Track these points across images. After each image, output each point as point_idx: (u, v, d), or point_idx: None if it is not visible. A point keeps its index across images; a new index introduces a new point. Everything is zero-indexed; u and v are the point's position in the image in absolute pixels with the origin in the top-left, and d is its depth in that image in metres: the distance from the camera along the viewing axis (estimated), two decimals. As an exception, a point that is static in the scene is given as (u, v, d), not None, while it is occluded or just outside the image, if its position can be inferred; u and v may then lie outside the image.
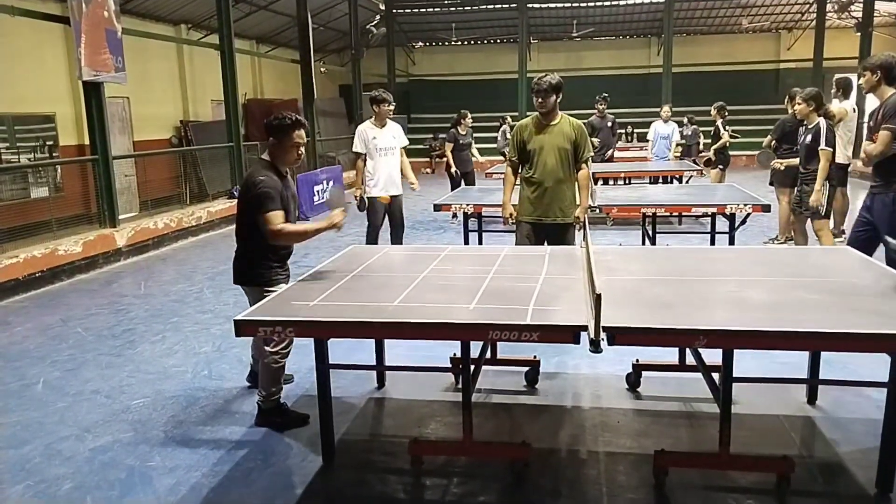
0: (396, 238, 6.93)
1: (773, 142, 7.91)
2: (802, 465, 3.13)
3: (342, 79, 21.39)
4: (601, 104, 11.25)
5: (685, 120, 12.69)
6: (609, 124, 11.26)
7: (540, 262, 3.85)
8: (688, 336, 2.67)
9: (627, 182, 11.23)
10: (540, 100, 4.82)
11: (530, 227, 5.01)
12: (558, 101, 4.85)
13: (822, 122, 6.18)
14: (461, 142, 10.66)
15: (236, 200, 3.84)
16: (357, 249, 4.47)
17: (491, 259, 3.96)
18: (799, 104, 6.38)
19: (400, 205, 6.85)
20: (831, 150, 6.11)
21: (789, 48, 21.15)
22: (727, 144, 10.34)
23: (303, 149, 3.80)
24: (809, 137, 6.27)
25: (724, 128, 10.21)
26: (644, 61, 21.64)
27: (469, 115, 10.78)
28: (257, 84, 17.96)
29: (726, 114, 10.42)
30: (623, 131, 17.28)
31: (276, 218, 3.62)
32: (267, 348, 3.69)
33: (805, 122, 6.41)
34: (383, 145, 6.57)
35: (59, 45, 10.90)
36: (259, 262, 3.76)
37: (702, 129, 12.45)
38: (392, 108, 6.70)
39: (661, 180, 10.71)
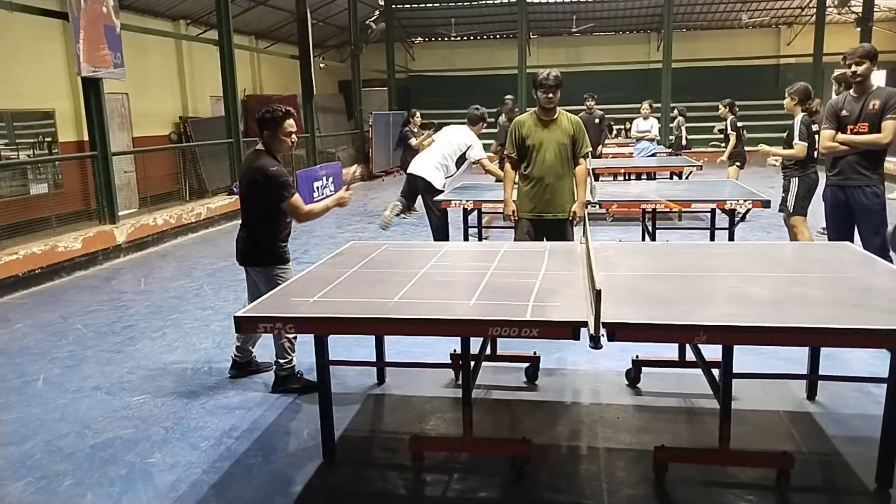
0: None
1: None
2: (802, 461, 3.13)
3: (341, 74, 21.34)
4: (590, 101, 11.42)
5: (676, 112, 12.74)
6: (597, 121, 11.40)
7: (540, 258, 3.85)
8: (688, 332, 2.67)
9: (627, 178, 11.26)
10: (550, 95, 4.80)
11: (530, 223, 5.01)
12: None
13: (800, 116, 6.15)
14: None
15: (243, 188, 4.09)
16: (356, 246, 4.47)
17: (490, 255, 3.95)
18: (786, 98, 6.35)
19: None
20: (805, 144, 6.10)
21: (789, 43, 21.12)
22: (740, 139, 10.18)
23: (295, 137, 4.07)
24: (787, 133, 6.28)
25: (733, 127, 10.01)
26: (644, 56, 21.62)
27: (418, 114, 11.69)
28: (256, 80, 17.92)
29: (737, 110, 10.22)
30: (620, 126, 17.29)
31: (301, 200, 4.03)
32: None
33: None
34: None
35: (57, 41, 10.86)
36: (272, 244, 4.07)
37: (712, 124, 12.42)
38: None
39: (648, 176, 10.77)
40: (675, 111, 13.06)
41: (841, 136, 4.85)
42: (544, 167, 4.87)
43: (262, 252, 4.07)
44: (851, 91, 4.86)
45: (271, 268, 4.06)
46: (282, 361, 4.10)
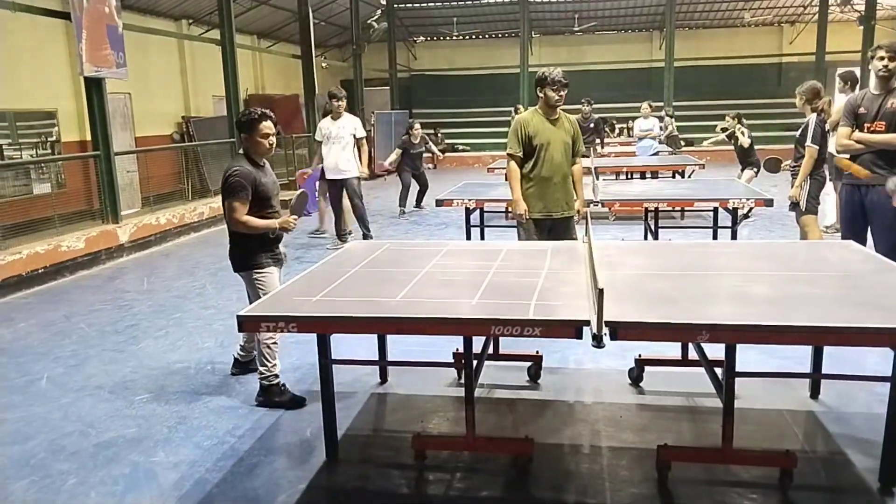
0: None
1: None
2: (805, 460, 3.13)
3: (343, 74, 21.33)
4: (586, 106, 11.47)
5: (664, 115, 12.77)
6: (592, 125, 11.49)
7: (542, 257, 3.85)
8: (690, 331, 2.67)
9: (629, 177, 11.24)
10: (563, 93, 4.82)
11: (538, 222, 4.98)
12: None
13: (813, 117, 5.90)
14: (411, 151, 11.28)
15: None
16: (358, 245, 4.48)
17: (493, 254, 3.95)
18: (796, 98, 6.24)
19: (347, 187, 8.24)
20: (817, 147, 5.85)
21: (792, 42, 21.06)
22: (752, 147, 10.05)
23: (273, 139, 4.04)
24: (799, 132, 6.11)
25: (718, 132, 9.91)
26: (646, 55, 21.58)
27: (417, 125, 11.62)
28: (258, 79, 17.95)
29: (743, 120, 10.08)
30: (623, 125, 17.27)
31: (242, 209, 3.89)
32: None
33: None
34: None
35: (60, 41, 10.89)
36: (247, 248, 4.01)
37: (714, 123, 12.43)
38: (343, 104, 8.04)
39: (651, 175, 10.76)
40: (663, 112, 13.13)
41: (857, 135, 4.73)
42: (553, 166, 4.86)
43: (242, 256, 4.02)
44: (872, 87, 4.74)
45: (250, 272, 4.01)
46: (262, 369, 3.96)
